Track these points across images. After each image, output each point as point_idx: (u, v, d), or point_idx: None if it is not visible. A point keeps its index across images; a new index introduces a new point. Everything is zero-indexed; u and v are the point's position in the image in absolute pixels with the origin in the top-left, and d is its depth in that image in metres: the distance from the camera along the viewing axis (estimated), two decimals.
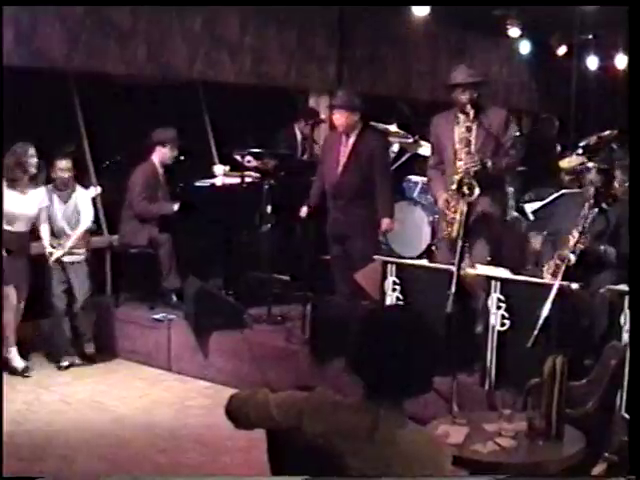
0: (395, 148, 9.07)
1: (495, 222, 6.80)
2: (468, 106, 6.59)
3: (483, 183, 6.38)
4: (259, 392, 3.09)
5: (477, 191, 6.33)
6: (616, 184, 7.74)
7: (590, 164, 7.42)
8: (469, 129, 6.60)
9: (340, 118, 7.46)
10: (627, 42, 4.25)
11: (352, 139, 7.49)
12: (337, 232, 7.55)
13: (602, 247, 6.38)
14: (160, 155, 8.39)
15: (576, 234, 6.27)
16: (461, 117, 6.67)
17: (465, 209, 6.32)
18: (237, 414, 3.12)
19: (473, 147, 6.58)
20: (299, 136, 10.24)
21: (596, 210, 6.47)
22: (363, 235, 7.43)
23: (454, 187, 6.48)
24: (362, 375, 2.86)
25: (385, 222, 7.46)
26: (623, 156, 8.22)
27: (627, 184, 7.66)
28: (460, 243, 6.05)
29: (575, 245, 6.27)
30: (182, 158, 8.51)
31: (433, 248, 7.91)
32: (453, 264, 5.93)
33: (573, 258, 6.15)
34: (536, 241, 7.61)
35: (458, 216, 6.50)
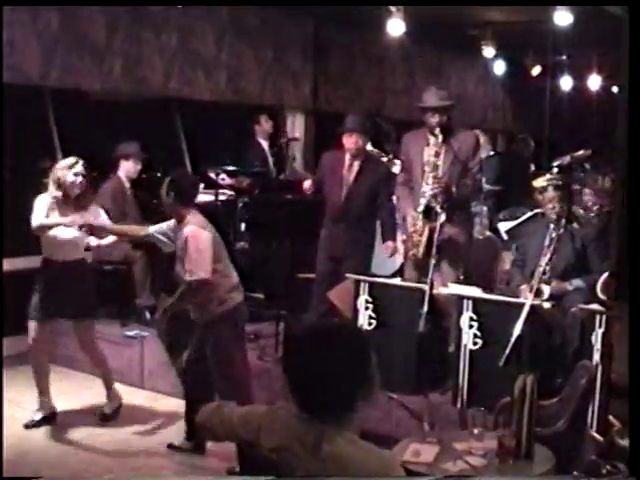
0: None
1: (461, 243, 6.81)
2: (437, 129, 6.60)
3: (448, 206, 6.42)
4: (226, 405, 3.10)
5: (443, 217, 6.37)
6: (589, 203, 7.83)
7: (545, 182, 7.49)
8: (437, 154, 6.61)
9: (351, 141, 7.40)
10: (627, 42, 4.24)
11: (357, 164, 7.47)
12: (334, 251, 7.54)
13: (569, 286, 6.44)
14: (125, 170, 8.38)
15: (543, 262, 6.35)
16: (431, 138, 6.68)
17: (430, 232, 6.41)
18: (205, 427, 3.13)
19: (440, 171, 6.60)
20: (270, 158, 10.21)
21: (561, 231, 6.52)
22: (360, 256, 7.48)
23: (420, 210, 6.53)
24: (291, 389, 2.83)
25: (389, 244, 7.52)
26: (594, 177, 8.32)
27: (594, 205, 7.78)
28: (433, 262, 6.10)
29: (543, 272, 6.33)
30: (159, 175, 8.48)
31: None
32: (424, 283, 5.95)
33: (547, 291, 6.21)
34: (509, 260, 7.66)
35: (424, 238, 6.54)
